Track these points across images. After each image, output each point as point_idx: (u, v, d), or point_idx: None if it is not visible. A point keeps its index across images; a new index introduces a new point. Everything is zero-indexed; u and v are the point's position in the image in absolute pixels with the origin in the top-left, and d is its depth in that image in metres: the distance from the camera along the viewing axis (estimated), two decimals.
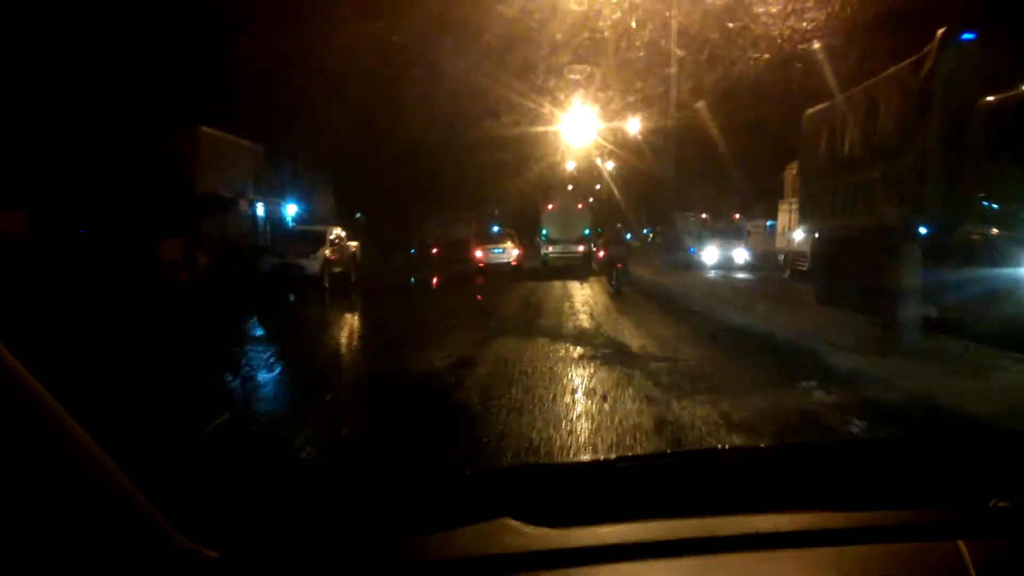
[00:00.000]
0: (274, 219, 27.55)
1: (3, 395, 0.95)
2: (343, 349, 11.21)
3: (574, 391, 7.12)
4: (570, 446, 5.14)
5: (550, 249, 27.84)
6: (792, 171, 19.60)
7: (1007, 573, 1.27)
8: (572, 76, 23.92)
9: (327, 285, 20.36)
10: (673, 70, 22.05)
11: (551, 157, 37.50)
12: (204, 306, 16.79)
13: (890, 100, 10.51)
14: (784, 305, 13.42)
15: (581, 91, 26.39)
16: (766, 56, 18.63)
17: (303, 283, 19.77)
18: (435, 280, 25.10)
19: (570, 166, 42.08)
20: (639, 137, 28.53)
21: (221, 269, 20.54)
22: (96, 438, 1.05)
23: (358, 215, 33.67)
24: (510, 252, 28.41)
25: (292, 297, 18.72)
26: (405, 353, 9.64)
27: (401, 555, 1.26)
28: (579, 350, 9.58)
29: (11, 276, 14.68)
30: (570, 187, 43.54)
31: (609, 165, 36.56)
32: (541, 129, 29.35)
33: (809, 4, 16.13)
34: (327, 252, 20.72)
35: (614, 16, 18.54)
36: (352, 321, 15.52)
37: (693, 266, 25.43)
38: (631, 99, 25.16)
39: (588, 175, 41.82)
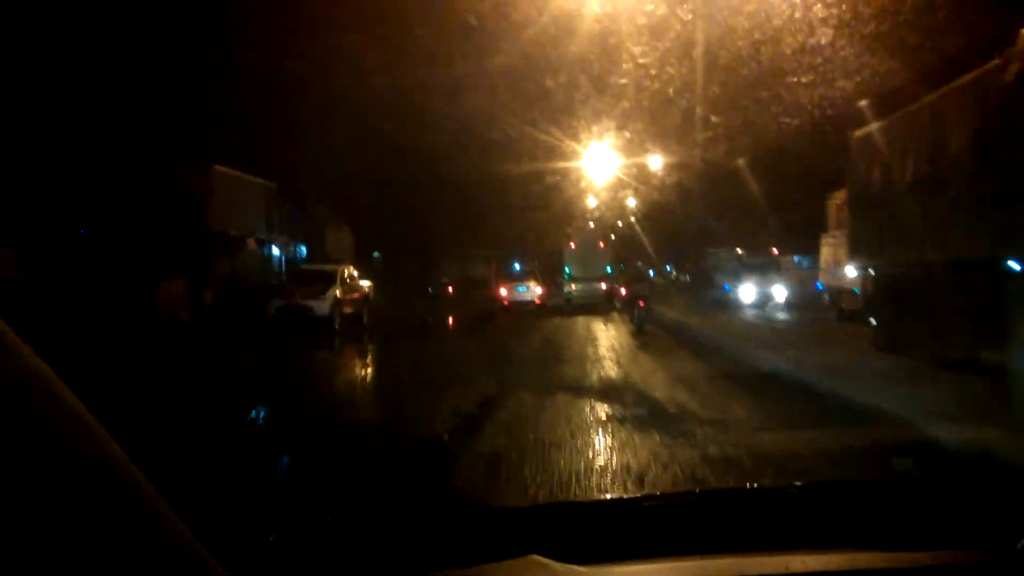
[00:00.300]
0: (290, 258, 26.32)
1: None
2: (337, 401, 9.57)
3: (601, 470, 5.46)
4: None
5: (573, 287, 27.70)
6: (836, 200, 17.85)
7: None
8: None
9: (337, 327, 18.84)
10: (699, 109, 20.64)
11: (573, 193, 36.32)
12: (197, 352, 15.25)
13: (963, 114, 8.84)
14: (840, 351, 11.56)
15: (604, 128, 25.33)
16: (799, 86, 17.21)
17: (311, 325, 18.24)
18: (451, 320, 23.68)
19: (591, 202, 40.86)
20: (663, 173, 27.18)
21: (226, 310, 19.13)
22: None
23: (376, 253, 32.33)
24: (534, 290, 28.23)
25: (298, 340, 17.15)
26: (408, 409, 8.32)
27: None
28: (606, 409, 7.93)
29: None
30: (591, 224, 42.59)
31: (631, 201, 35.34)
32: (563, 165, 28.83)
33: (842, 36, 14.75)
34: (338, 292, 19.21)
35: (638, 50, 17.22)
36: (356, 369, 13.98)
37: (727, 305, 23.46)
38: (655, 135, 24.02)
39: (610, 211, 40.52)
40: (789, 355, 10.84)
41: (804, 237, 23.55)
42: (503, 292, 28.20)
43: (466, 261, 33.01)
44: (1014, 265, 7.89)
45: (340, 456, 5.94)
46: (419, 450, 6.26)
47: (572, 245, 29.18)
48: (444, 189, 32.92)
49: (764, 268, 24.59)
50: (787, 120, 18.72)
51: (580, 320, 21.47)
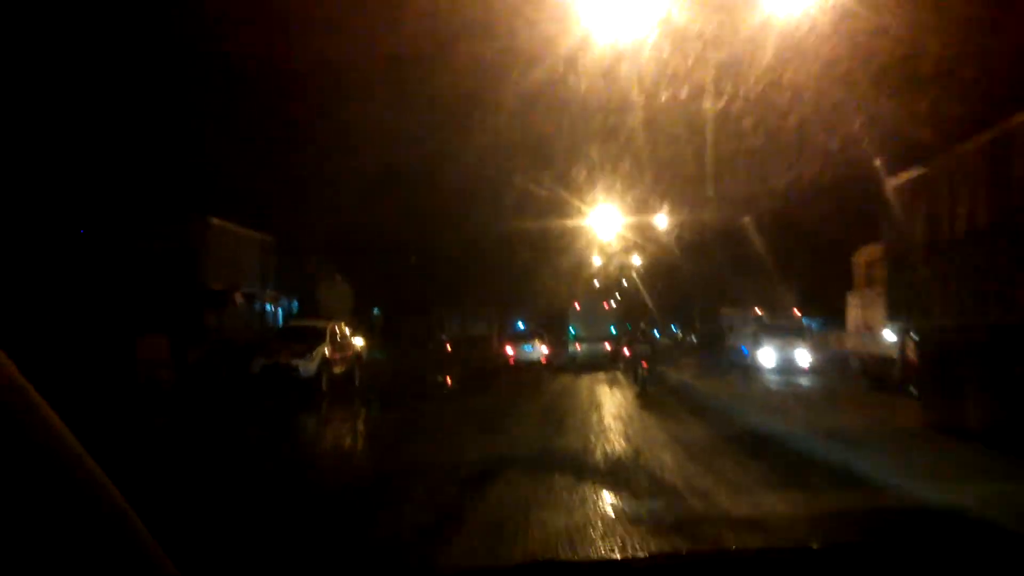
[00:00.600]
0: (286, 314, 24.76)
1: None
2: (300, 483, 7.87)
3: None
4: None
5: (578, 347, 27.71)
6: (863, 257, 16.23)
7: None
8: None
9: (325, 389, 17.15)
10: (709, 170, 19.39)
11: (577, 251, 35.27)
12: (164, 419, 13.56)
13: None
14: (885, 430, 9.78)
15: (609, 186, 24.51)
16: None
17: (297, 387, 16.57)
18: (449, 380, 22.25)
19: (596, 261, 39.62)
20: (668, 231, 26.03)
21: (210, 370, 17.51)
22: None
23: (376, 310, 30.85)
24: (539, 350, 28.22)
25: (280, 404, 15.49)
26: (378, 496, 6.92)
27: None
28: (612, 502, 6.28)
29: None
30: (596, 283, 41.87)
31: (636, 260, 34.25)
32: (567, 223, 28.48)
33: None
34: (326, 351, 17.59)
35: (646, 111, 16.08)
36: (332, 443, 12.24)
37: (745, 369, 21.58)
38: (662, 193, 23.03)
39: (615, 269, 39.25)
40: (829, 434, 9.10)
41: (823, 297, 21.72)
42: (509, 351, 28.22)
43: (466, 318, 31.58)
44: None
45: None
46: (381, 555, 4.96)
47: (576, 306, 29.45)
48: (446, 246, 31.96)
49: (786, 331, 22.34)
50: (806, 174, 17.39)
51: (584, 381, 20.26)
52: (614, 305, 32.51)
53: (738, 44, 13.85)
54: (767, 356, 22.07)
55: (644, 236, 29.10)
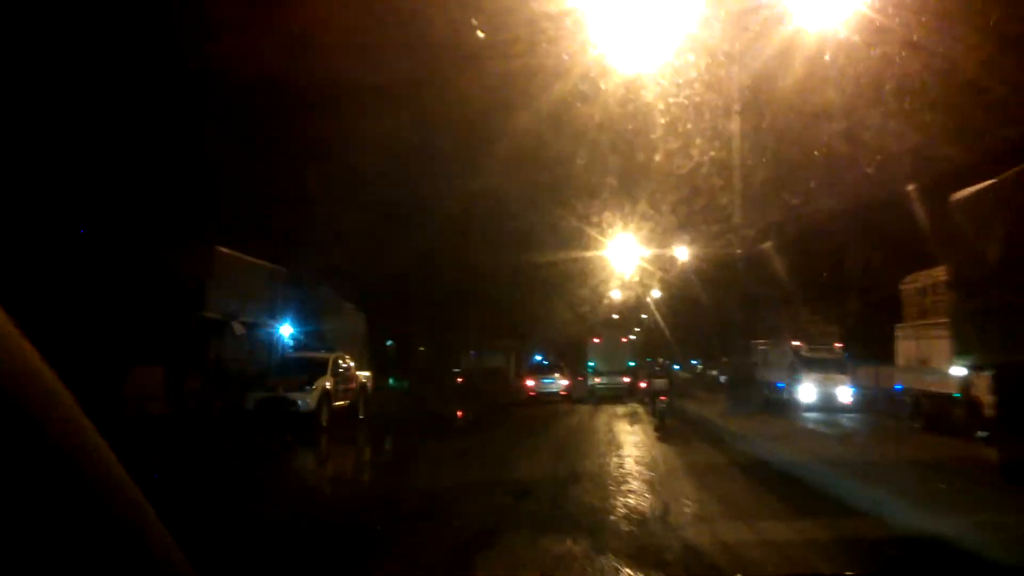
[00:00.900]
0: (298, 345, 23.51)
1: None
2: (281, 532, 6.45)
3: None
4: None
5: (597, 380, 27.82)
6: (912, 284, 14.60)
7: None
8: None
9: (324, 424, 15.76)
10: (737, 198, 18.11)
11: (595, 283, 34.19)
12: (148, 457, 12.19)
13: None
14: (961, 482, 8.15)
15: (628, 217, 23.66)
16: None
17: (295, 421, 15.22)
18: (460, 415, 20.96)
19: (615, 295, 38.28)
20: (689, 263, 24.78)
21: (202, 403, 16.25)
22: None
23: (389, 342, 29.59)
24: (559, 383, 28.16)
25: (276, 440, 14.15)
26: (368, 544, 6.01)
27: None
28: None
29: None
30: (615, 316, 40.98)
31: (656, 293, 32.98)
32: (585, 255, 27.96)
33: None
34: (327, 384, 16.24)
35: (670, 141, 14.97)
36: (326, 484, 10.93)
37: (781, 407, 19.75)
38: (682, 226, 22.01)
39: (634, 302, 37.93)
40: (900, 494, 7.50)
41: (865, 327, 19.93)
42: (530, 383, 28.33)
43: (482, 351, 30.41)
44: None
45: None
46: None
47: (596, 340, 29.50)
48: (463, 278, 30.93)
49: (827, 365, 20.03)
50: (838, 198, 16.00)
51: (603, 416, 19.41)
52: (632, 338, 32.65)
53: (766, 64, 12.69)
54: (807, 392, 20.07)
55: (665, 268, 28.03)
